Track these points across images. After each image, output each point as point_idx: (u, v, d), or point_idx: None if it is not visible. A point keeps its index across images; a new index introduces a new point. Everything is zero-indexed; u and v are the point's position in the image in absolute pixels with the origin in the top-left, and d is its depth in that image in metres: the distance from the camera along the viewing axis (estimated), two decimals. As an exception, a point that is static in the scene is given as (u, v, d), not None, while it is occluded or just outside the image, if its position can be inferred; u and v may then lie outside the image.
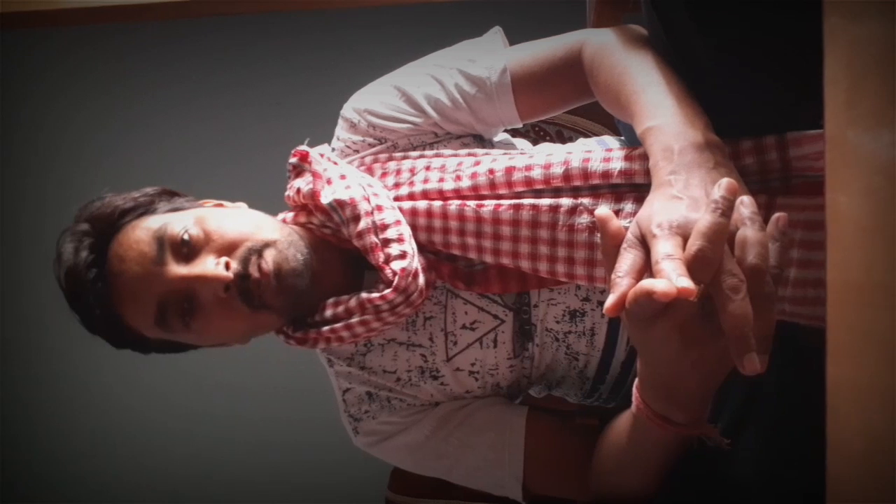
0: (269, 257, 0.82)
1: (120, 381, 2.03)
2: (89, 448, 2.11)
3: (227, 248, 0.83)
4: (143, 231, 0.84)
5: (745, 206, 0.56)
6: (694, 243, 0.54)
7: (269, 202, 0.95)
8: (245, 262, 0.82)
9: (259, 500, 2.08)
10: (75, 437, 2.12)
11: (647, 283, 0.52)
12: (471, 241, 0.83)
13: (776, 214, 0.56)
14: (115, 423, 2.11)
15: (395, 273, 0.81)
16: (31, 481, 2.13)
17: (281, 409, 2.01)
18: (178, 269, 0.82)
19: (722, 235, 0.54)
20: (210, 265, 0.82)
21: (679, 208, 0.59)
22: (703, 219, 0.55)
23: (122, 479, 2.10)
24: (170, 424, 2.09)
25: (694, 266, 0.53)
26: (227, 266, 0.82)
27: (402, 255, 0.82)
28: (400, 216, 0.84)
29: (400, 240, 0.82)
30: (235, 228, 0.85)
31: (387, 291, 0.81)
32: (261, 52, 1.93)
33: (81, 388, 2.10)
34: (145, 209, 0.89)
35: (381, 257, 0.82)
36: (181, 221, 0.85)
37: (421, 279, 0.83)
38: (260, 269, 0.82)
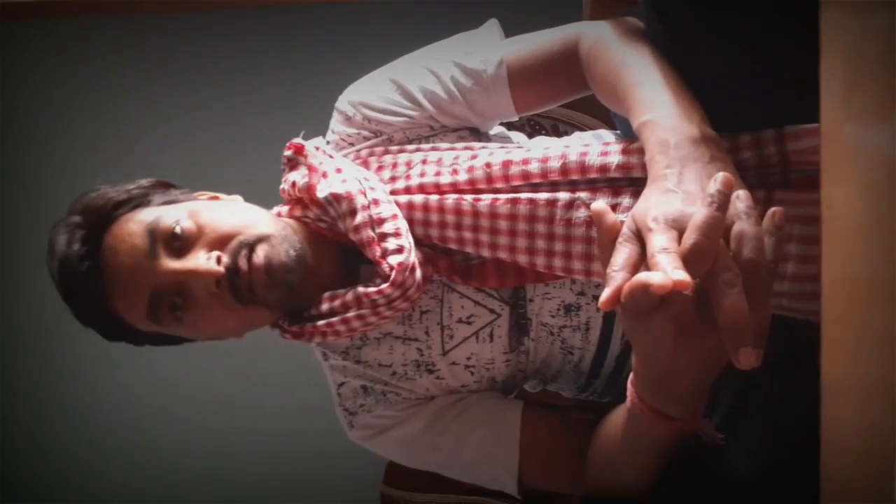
0: (261, 252, 0.82)
1: (119, 381, 2.03)
2: (90, 448, 2.11)
3: (220, 242, 0.83)
4: (136, 224, 0.84)
5: (741, 200, 0.56)
6: (689, 237, 0.54)
7: (264, 195, 0.95)
8: (237, 256, 0.82)
9: (254, 495, 2.08)
10: (75, 438, 2.12)
11: (643, 276, 0.52)
12: (468, 235, 0.83)
13: (772, 209, 0.56)
14: (114, 422, 2.10)
15: (392, 267, 0.81)
16: (31, 482, 2.13)
17: (275, 404, 2.01)
18: (169, 263, 0.82)
19: (717, 229, 0.54)
20: (202, 259, 0.81)
21: (674, 202, 0.58)
22: (698, 213, 0.54)
23: (118, 478, 2.10)
24: (166, 421, 2.08)
25: (689, 260, 0.53)
26: (219, 260, 0.81)
27: (400, 250, 0.81)
28: (397, 210, 0.84)
29: (397, 234, 0.82)
30: (228, 222, 0.84)
31: (384, 286, 0.81)
32: (256, 45, 1.92)
33: (82, 389, 2.09)
34: (139, 201, 0.88)
35: (378, 251, 0.82)
36: (174, 214, 0.84)
37: (418, 273, 0.82)
38: (251, 263, 0.81)
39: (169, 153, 1.91)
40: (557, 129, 1.19)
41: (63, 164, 1.97)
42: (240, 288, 0.82)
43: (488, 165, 0.81)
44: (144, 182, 0.91)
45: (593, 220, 0.61)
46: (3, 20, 1.59)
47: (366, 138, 0.91)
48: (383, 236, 0.82)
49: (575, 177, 0.78)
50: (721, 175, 0.55)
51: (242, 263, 0.81)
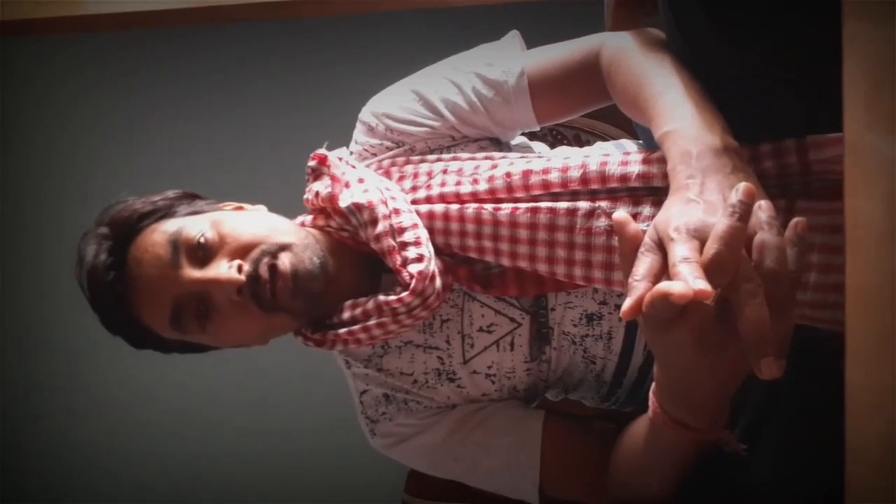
0: (286, 260, 0.83)
1: (125, 383, 2.03)
2: (95, 448, 2.12)
3: (242, 251, 0.84)
4: (159, 234, 0.86)
5: (763, 210, 0.56)
6: (711, 247, 0.54)
7: (289, 205, 0.96)
8: (258, 265, 0.83)
9: (274, 501, 2.08)
10: (77, 439, 2.13)
11: (664, 286, 0.52)
12: (488, 244, 0.83)
13: (794, 219, 0.56)
14: (118, 424, 2.10)
15: (412, 276, 0.81)
16: (32, 483, 2.14)
17: (297, 411, 2.02)
18: (192, 273, 0.83)
19: (739, 239, 0.54)
20: (223, 268, 0.83)
21: (696, 212, 0.58)
22: (720, 223, 0.54)
23: (125, 480, 2.11)
24: (182, 427, 2.09)
25: (711, 269, 0.53)
26: (240, 269, 0.83)
27: (420, 259, 0.82)
28: (417, 219, 0.85)
29: (417, 243, 0.83)
30: (250, 232, 0.85)
31: (404, 294, 0.82)
32: (281, 55, 1.94)
33: (83, 390, 2.10)
34: (164, 212, 0.90)
35: (399, 260, 0.83)
36: (197, 225, 0.86)
37: (438, 282, 0.83)
38: (277, 270, 0.82)
39: (193, 165, 1.93)
40: (579, 138, 1.20)
41: (91, 178, 1.99)
42: (262, 296, 0.83)
43: (508, 175, 0.81)
44: (170, 193, 0.93)
45: (615, 230, 0.61)
46: (5, 35, 1.60)
47: (388, 148, 0.92)
48: (404, 245, 0.83)
49: (595, 186, 0.78)
50: (743, 185, 0.55)
51: (263, 271, 0.82)
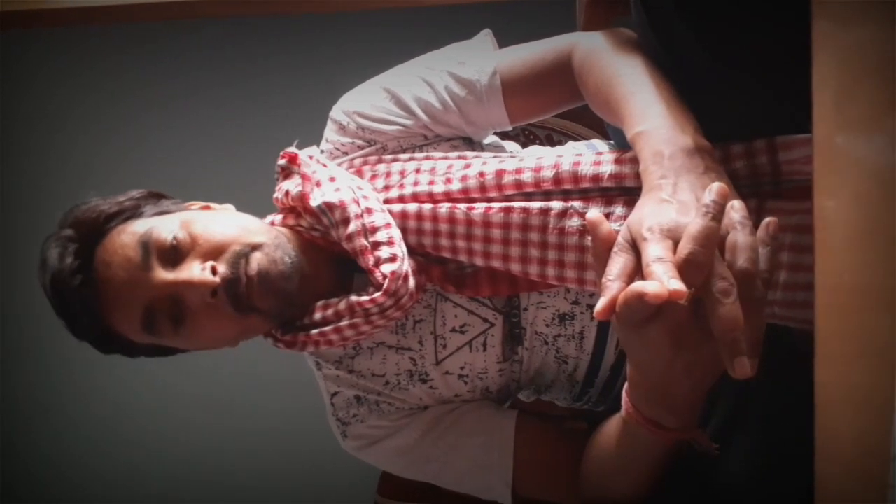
0: (254, 261, 0.82)
1: (118, 383, 2.03)
2: (90, 449, 2.11)
3: (214, 252, 0.83)
4: (128, 236, 0.83)
5: (736, 210, 0.56)
6: (684, 247, 0.54)
7: (256, 204, 0.95)
8: (233, 266, 0.81)
9: (246, 502, 2.07)
10: (75, 439, 2.12)
11: (638, 286, 0.52)
12: (461, 244, 0.83)
13: (766, 219, 0.56)
14: (113, 424, 2.10)
15: (385, 276, 0.81)
16: (31, 483, 2.12)
17: (269, 414, 2.01)
18: (164, 275, 0.81)
19: (712, 239, 0.54)
20: (196, 270, 0.81)
21: (669, 212, 0.59)
22: (693, 223, 0.55)
23: (116, 481, 2.09)
24: (163, 426, 2.08)
25: (684, 269, 0.53)
26: (214, 270, 0.81)
27: (393, 258, 0.81)
28: (390, 219, 0.84)
29: (390, 242, 0.82)
30: (222, 232, 0.84)
31: (377, 295, 0.81)
32: (249, 53, 1.92)
33: (82, 390, 2.09)
34: (131, 213, 0.87)
35: (372, 260, 0.82)
36: (167, 226, 0.84)
37: (411, 282, 0.82)
38: (246, 272, 0.81)
39: (162, 162, 1.91)
40: (552, 138, 1.20)
41: (60, 172, 1.97)
42: (239, 297, 0.81)
43: (481, 175, 0.81)
44: (135, 193, 0.90)
45: (588, 230, 0.61)
46: (1, 28, 1.58)
47: (360, 147, 0.91)
48: (376, 245, 0.82)
49: (568, 186, 0.78)
50: (716, 185, 0.56)
51: (239, 273, 0.81)
